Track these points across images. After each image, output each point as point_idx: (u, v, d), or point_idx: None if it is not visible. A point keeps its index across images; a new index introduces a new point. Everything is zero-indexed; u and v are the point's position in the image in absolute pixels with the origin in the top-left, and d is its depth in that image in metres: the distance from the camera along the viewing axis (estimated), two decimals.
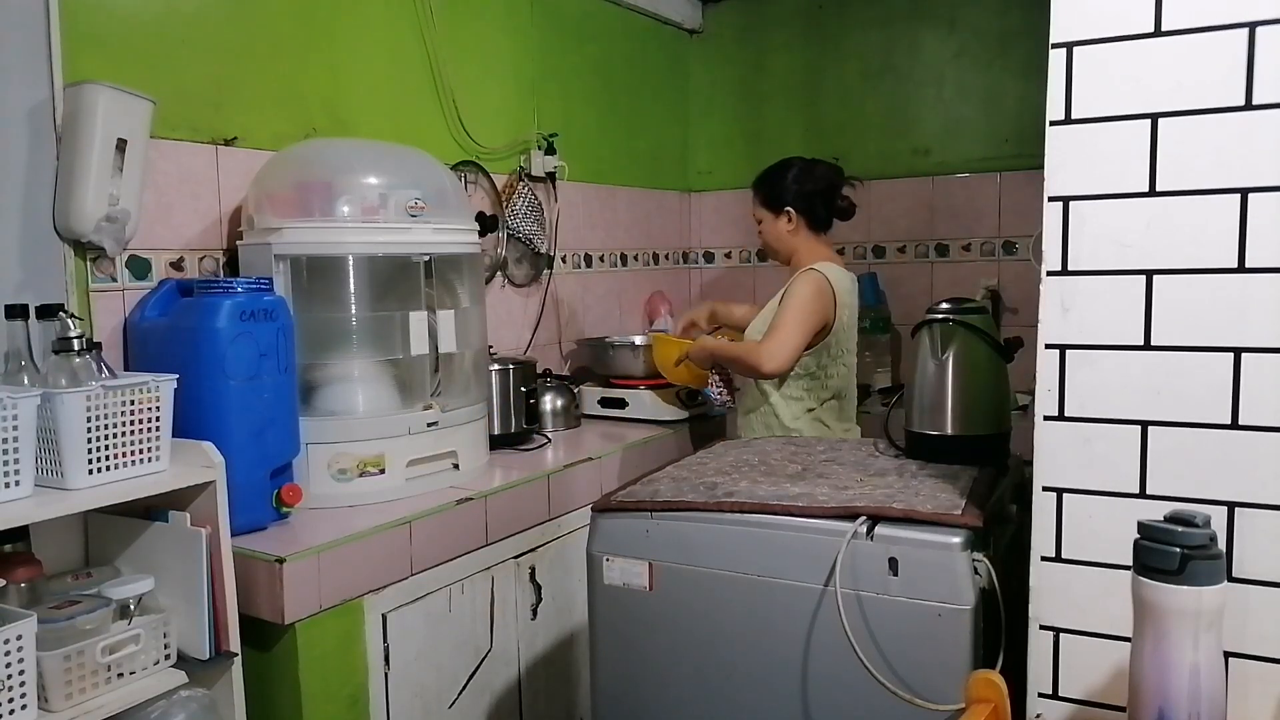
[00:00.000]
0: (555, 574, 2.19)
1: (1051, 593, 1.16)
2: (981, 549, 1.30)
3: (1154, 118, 1.06)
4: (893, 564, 1.30)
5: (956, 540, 1.28)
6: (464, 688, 1.97)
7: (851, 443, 1.89)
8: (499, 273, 2.84)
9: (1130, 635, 0.98)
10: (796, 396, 2.39)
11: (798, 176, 2.44)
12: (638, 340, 2.99)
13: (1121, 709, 1.05)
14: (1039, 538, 1.16)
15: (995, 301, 3.17)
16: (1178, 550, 0.92)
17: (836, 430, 2.42)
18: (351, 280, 2.01)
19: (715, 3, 3.74)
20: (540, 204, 2.96)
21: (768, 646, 1.39)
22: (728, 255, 3.83)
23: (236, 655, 1.59)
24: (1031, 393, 1.16)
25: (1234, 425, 1.05)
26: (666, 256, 3.74)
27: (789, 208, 2.44)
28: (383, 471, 1.97)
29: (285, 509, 1.79)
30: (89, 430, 1.44)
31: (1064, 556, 1.15)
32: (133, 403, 1.50)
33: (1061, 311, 1.12)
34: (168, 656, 1.54)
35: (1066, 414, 1.13)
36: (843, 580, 1.31)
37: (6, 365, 1.54)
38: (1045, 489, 1.15)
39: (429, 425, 2.05)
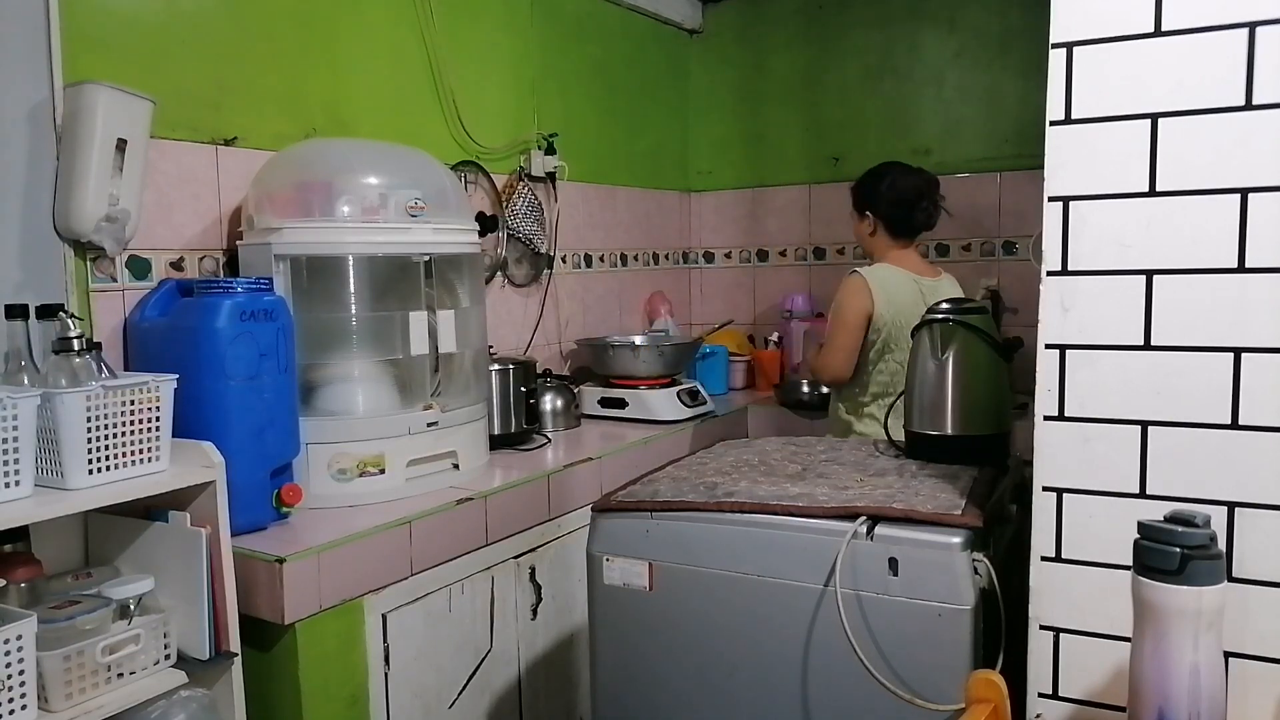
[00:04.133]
0: (555, 574, 2.19)
1: (1051, 593, 1.16)
2: (981, 549, 1.30)
3: (1154, 118, 1.06)
4: (893, 564, 1.30)
5: (956, 540, 1.28)
6: (464, 688, 1.97)
7: (851, 442, 1.89)
8: (499, 273, 2.84)
9: (1130, 635, 0.98)
10: (850, 395, 2.54)
11: (888, 185, 2.54)
12: (638, 340, 3.00)
13: (1121, 709, 1.05)
14: (1039, 538, 1.16)
15: (995, 301, 3.16)
16: (1178, 550, 0.92)
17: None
18: (351, 280, 2.01)
19: (715, 3, 3.74)
20: (540, 204, 2.96)
21: (768, 646, 1.39)
22: (728, 255, 3.83)
23: (236, 655, 1.59)
24: (1031, 393, 1.16)
25: (1234, 425, 1.05)
26: (666, 256, 3.74)
27: (869, 212, 2.58)
28: (383, 471, 1.97)
29: (285, 509, 1.79)
30: (89, 430, 1.44)
31: (1064, 556, 1.15)
32: (133, 403, 1.50)
33: (1061, 311, 1.12)
34: (168, 656, 1.54)
35: (1066, 414, 1.13)
36: (843, 580, 1.31)
37: (6, 365, 1.54)
38: (1045, 489, 1.16)
39: (429, 425, 2.05)
